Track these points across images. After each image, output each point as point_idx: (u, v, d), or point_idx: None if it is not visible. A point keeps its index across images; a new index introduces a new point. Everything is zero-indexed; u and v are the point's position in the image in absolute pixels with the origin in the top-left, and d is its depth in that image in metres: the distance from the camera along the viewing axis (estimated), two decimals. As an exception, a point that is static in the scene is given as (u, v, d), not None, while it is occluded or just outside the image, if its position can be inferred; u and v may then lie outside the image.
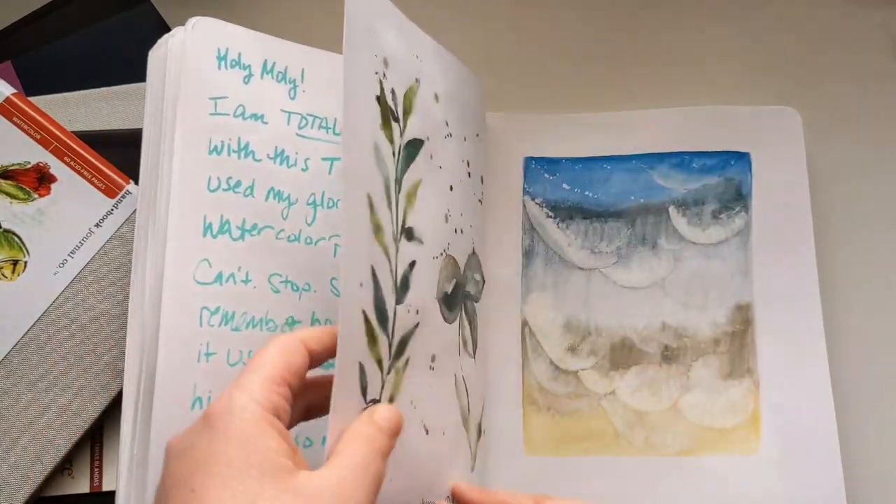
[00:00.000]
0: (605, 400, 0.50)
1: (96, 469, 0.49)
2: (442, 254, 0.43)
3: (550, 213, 0.52)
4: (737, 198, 0.51)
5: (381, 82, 0.38)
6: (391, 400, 0.37)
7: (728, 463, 0.48)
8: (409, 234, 0.39)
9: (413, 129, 0.41)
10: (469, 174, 0.47)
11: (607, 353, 0.50)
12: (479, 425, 0.47)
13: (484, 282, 0.49)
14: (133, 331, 0.42)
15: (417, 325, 0.39)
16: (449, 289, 0.43)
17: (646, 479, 0.48)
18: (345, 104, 0.35)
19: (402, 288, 0.38)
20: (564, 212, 0.52)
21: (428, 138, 0.42)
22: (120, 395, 0.48)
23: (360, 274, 0.35)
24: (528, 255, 0.52)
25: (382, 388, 0.36)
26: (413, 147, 0.41)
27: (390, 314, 0.37)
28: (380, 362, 0.36)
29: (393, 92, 0.39)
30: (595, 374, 0.50)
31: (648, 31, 0.56)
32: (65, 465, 0.48)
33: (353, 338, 0.34)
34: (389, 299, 0.37)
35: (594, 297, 0.51)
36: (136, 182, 0.48)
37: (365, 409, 0.34)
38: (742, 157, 0.51)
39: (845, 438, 0.48)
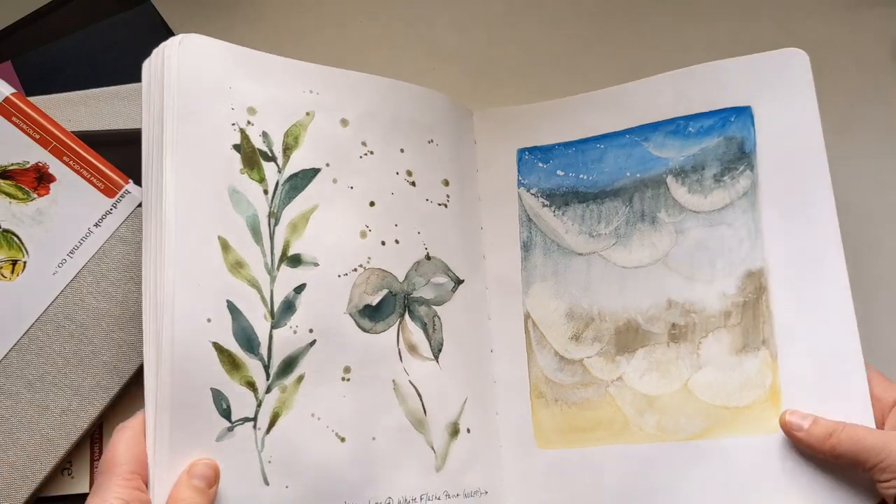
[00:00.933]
0: (613, 387, 0.48)
1: (96, 469, 0.48)
2: (357, 269, 0.45)
3: (546, 202, 0.51)
4: (740, 156, 0.47)
5: (242, 130, 0.44)
6: (277, 415, 0.42)
7: (746, 444, 0.44)
8: (293, 260, 0.44)
9: (301, 161, 0.45)
10: (414, 183, 0.48)
11: (612, 338, 0.48)
12: (455, 425, 0.47)
13: (457, 282, 0.49)
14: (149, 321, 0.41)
15: (314, 342, 0.43)
16: (373, 300, 0.46)
17: (660, 466, 0.46)
18: (176, 164, 0.41)
19: (285, 311, 0.43)
20: (560, 198, 0.51)
21: (328, 164, 0.46)
22: (119, 395, 0.48)
23: (205, 311, 0.41)
24: (526, 247, 0.51)
25: (259, 406, 0.42)
26: (301, 178, 0.45)
27: (261, 339, 0.42)
28: (251, 384, 0.42)
29: (265, 134, 0.44)
30: (601, 360, 0.48)
31: (641, 23, 0.56)
32: (64, 466, 0.48)
33: (197, 369, 0.40)
34: (260, 325, 0.42)
35: (595, 282, 0.49)
36: (136, 182, 0.48)
37: (230, 428, 0.41)
38: (742, 112, 0.48)
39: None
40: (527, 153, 0.52)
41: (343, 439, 0.43)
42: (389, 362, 0.46)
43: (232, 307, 0.42)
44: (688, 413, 0.46)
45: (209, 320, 0.41)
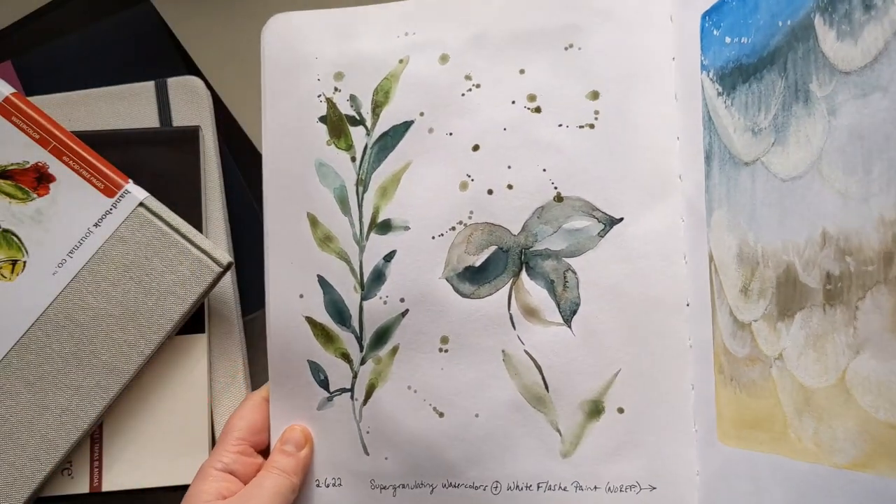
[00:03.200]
0: (776, 367, 0.33)
1: (96, 469, 0.48)
2: (455, 227, 0.42)
3: (719, 88, 0.37)
4: None
5: (328, 100, 0.44)
6: (373, 387, 0.42)
7: None
8: (383, 227, 0.43)
9: (391, 117, 0.43)
10: (538, 108, 0.42)
11: (774, 294, 0.33)
12: (595, 403, 0.40)
13: (609, 224, 0.41)
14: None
15: (406, 312, 0.42)
16: (476, 260, 0.42)
17: (813, 497, 0.31)
18: (268, 145, 0.44)
19: (374, 281, 0.43)
20: (728, 79, 0.36)
21: (422, 114, 0.43)
22: (119, 396, 0.48)
23: (297, 287, 0.43)
24: (708, 158, 0.38)
25: (355, 378, 0.43)
26: (391, 136, 0.43)
27: (352, 311, 0.43)
28: (345, 356, 0.43)
29: (352, 98, 0.44)
30: (765, 326, 0.34)
31: None
32: (64, 466, 0.48)
33: (294, 342, 0.43)
34: (351, 297, 0.43)
35: (760, 205, 0.34)
36: (135, 181, 0.49)
37: (329, 398, 0.43)
38: None
39: None
40: (707, 19, 0.38)
41: (441, 414, 0.42)
42: (497, 330, 0.41)
43: (322, 281, 0.43)
44: (846, 424, 0.28)
45: (301, 296, 0.43)
